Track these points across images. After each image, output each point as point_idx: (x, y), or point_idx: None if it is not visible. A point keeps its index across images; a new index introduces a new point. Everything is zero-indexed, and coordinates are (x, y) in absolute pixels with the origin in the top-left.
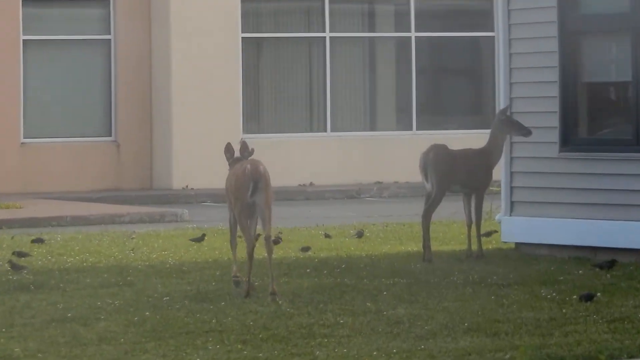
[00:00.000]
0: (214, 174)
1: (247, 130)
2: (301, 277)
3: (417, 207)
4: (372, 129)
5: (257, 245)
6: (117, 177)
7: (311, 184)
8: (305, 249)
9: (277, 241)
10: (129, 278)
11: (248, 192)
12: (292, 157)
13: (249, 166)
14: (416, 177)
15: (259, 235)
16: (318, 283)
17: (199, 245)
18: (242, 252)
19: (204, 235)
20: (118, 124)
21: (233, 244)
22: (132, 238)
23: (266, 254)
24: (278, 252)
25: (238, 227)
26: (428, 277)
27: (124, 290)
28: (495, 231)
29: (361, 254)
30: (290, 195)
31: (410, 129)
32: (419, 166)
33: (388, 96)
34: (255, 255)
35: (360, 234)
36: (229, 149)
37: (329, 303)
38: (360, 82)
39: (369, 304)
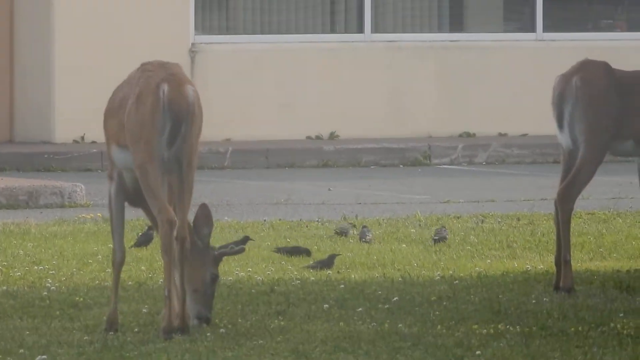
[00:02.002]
0: None
1: (204, 28)
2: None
3: (544, 183)
4: (451, 29)
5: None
6: None
7: (333, 136)
8: (326, 262)
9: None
10: None
11: (161, 134)
12: (296, 83)
13: (165, 85)
14: (541, 125)
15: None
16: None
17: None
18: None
19: (150, 230)
20: None
21: (117, 230)
22: None
23: (162, 260)
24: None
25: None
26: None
27: None
28: None
29: (434, 274)
30: (293, 156)
31: (531, 29)
32: (552, 103)
33: None
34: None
35: (441, 237)
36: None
37: None
38: None
39: None
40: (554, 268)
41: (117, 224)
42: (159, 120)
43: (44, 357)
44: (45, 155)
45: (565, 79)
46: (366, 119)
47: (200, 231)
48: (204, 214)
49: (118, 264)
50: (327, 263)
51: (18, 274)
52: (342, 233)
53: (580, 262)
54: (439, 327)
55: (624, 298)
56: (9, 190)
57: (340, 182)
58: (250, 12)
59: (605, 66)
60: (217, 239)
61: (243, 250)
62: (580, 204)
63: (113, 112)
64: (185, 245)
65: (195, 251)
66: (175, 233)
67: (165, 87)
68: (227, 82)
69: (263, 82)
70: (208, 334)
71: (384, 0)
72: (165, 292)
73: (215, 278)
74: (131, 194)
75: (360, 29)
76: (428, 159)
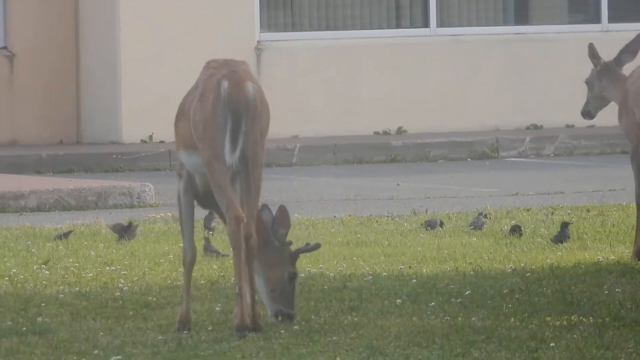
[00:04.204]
0: None
1: (269, 26)
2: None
3: (613, 174)
4: (516, 22)
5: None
6: (10, 119)
7: (400, 130)
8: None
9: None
10: (39, 319)
11: (224, 131)
12: (362, 79)
13: (225, 82)
14: (608, 115)
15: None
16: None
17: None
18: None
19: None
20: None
21: (187, 228)
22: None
23: (232, 257)
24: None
25: (195, 197)
26: None
27: (29, 342)
28: None
29: (506, 266)
30: (361, 152)
31: (597, 20)
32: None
33: None
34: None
35: (516, 230)
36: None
37: None
38: None
39: None
40: (627, 259)
41: (187, 222)
42: (220, 116)
43: (119, 357)
44: (114, 156)
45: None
46: (433, 113)
47: (277, 231)
48: (282, 214)
49: (189, 263)
50: (561, 236)
51: (90, 275)
52: (431, 226)
53: None
54: (512, 319)
55: None
56: (78, 192)
57: (409, 176)
58: (315, 8)
59: None
60: (288, 236)
61: (319, 246)
62: None
63: (182, 116)
64: (251, 243)
65: (272, 251)
66: (242, 230)
67: (225, 84)
68: (294, 79)
69: (329, 78)
70: (282, 331)
71: None
72: (236, 290)
73: (293, 276)
74: (201, 195)
75: (426, 24)
76: (496, 152)
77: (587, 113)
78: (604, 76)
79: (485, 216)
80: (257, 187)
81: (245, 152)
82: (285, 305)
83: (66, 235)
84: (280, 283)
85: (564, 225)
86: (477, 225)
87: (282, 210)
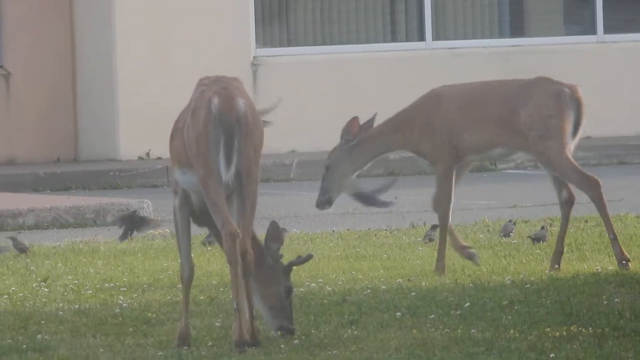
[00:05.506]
0: None
1: (265, 41)
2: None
3: (611, 185)
4: (512, 34)
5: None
6: (7, 137)
7: None
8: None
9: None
10: (38, 337)
11: (217, 149)
12: (358, 93)
13: (215, 99)
14: (605, 127)
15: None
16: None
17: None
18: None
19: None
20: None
21: (183, 245)
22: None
23: (229, 273)
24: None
25: (191, 215)
26: None
27: (29, 359)
28: None
29: (505, 278)
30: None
31: (592, 31)
32: None
33: None
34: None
35: (539, 237)
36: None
37: None
38: None
39: None
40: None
41: (183, 239)
42: (212, 133)
43: None
44: (111, 173)
45: None
46: None
47: (270, 247)
48: (274, 230)
49: (187, 279)
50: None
51: (89, 292)
52: (505, 233)
53: None
54: (511, 331)
55: None
56: (76, 209)
57: (406, 190)
58: (311, 23)
59: None
60: (286, 250)
61: (311, 257)
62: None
63: (177, 134)
64: (247, 259)
65: (265, 268)
66: (238, 246)
67: (216, 101)
68: (290, 94)
69: (326, 93)
70: (282, 346)
71: (444, 8)
72: (234, 305)
73: (289, 290)
74: (197, 213)
75: (422, 37)
76: (493, 164)
77: (328, 201)
78: (356, 147)
79: (514, 223)
80: (252, 204)
81: (239, 169)
82: (287, 320)
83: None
84: (278, 299)
85: (434, 226)
86: (506, 232)
87: (274, 225)
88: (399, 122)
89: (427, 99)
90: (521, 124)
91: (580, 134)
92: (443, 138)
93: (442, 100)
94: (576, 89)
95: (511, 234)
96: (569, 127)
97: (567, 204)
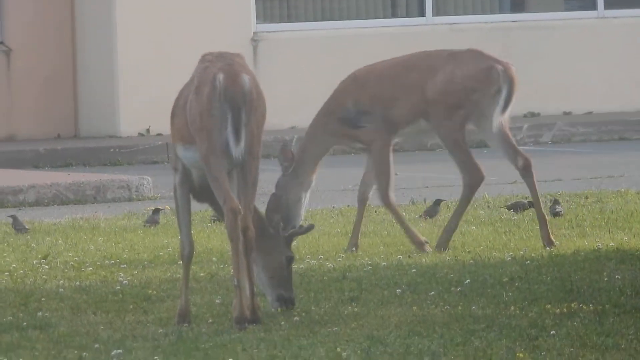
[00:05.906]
0: None
1: (265, 17)
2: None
3: (611, 160)
4: (513, 9)
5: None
6: (7, 114)
7: None
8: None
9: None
10: (39, 314)
11: (223, 126)
12: (355, 69)
13: (220, 75)
14: (605, 102)
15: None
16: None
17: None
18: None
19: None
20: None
21: (183, 222)
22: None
23: (230, 249)
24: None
25: (191, 191)
26: None
27: (29, 336)
28: None
29: (505, 255)
30: None
31: (593, 7)
32: None
33: None
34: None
35: (556, 212)
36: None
37: None
38: None
39: None
40: (626, 245)
41: (184, 216)
42: (216, 109)
43: (119, 351)
44: (111, 149)
45: None
46: None
47: (272, 218)
48: (275, 201)
49: (186, 256)
50: (433, 210)
51: (90, 268)
52: (515, 208)
53: None
54: (512, 308)
55: None
56: (77, 186)
57: (407, 166)
58: None
59: None
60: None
61: (312, 227)
62: None
63: (178, 110)
64: (248, 235)
65: (266, 238)
66: (239, 222)
67: (220, 77)
68: (290, 70)
69: (326, 68)
70: (282, 323)
71: None
72: (234, 282)
73: (291, 259)
74: (197, 189)
75: (422, 13)
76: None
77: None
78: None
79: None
80: (254, 180)
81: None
82: (285, 289)
83: None
84: (279, 268)
85: (437, 201)
86: (555, 213)
87: (274, 197)
88: (326, 114)
89: (349, 81)
90: (436, 92)
91: (510, 110)
92: (375, 115)
93: (366, 79)
94: (509, 66)
95: (561, 212)
96: (491, 102)
97: (526, 168)
